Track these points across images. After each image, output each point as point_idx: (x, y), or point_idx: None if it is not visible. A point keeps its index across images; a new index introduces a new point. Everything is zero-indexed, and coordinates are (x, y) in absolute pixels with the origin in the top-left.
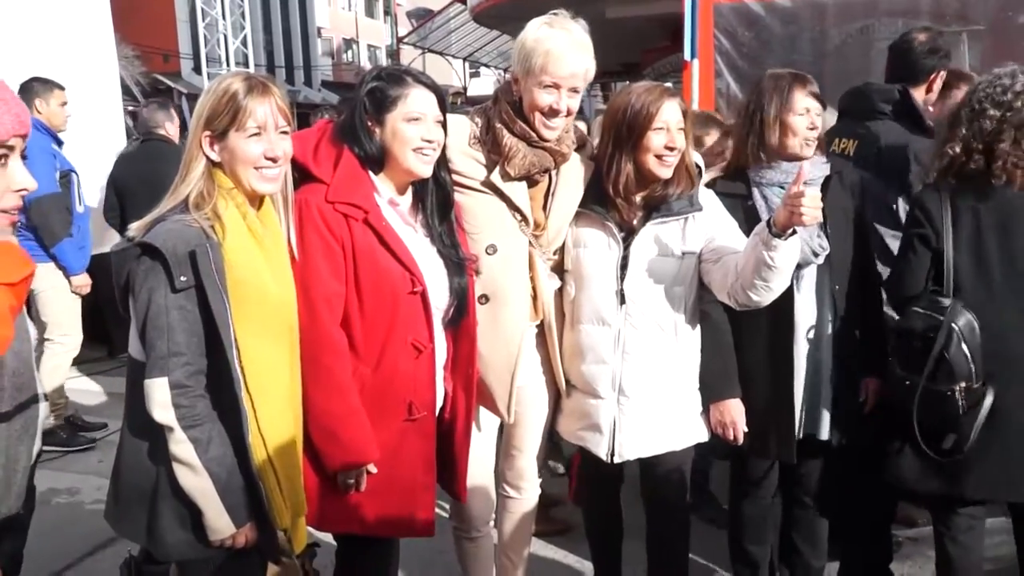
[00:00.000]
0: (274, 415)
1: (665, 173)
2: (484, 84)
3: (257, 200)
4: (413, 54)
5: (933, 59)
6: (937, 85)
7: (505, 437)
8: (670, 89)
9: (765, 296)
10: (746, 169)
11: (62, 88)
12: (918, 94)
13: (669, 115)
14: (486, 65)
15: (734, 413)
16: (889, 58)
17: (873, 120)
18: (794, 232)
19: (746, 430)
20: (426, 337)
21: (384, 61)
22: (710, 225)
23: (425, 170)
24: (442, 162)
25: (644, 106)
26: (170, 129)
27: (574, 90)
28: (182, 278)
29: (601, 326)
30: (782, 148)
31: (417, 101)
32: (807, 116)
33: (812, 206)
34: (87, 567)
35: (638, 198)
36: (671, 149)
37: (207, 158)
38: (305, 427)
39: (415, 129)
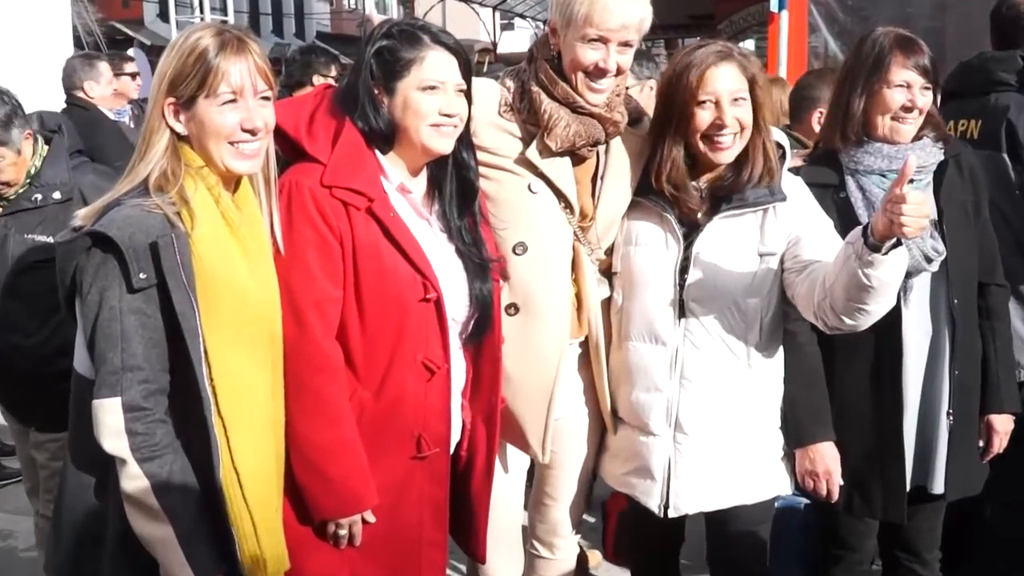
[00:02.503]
0: (251, 446)
1: (722, 158)
2: (518, 39)
3: (233, 182)
4: (431, 1)
5: None
6: None
7: (536, 482)
8: (726, 49)
9: (862, 320)
10: (837, 152)
11: None
12: None
13: (720, 84)
14: (521, 16)
15: (828, 460)
16: (994, 27)
17: (996, 93)
18: (898, 243)
19: (841, 482)
20: (440, 355)
21: (395, 10)
22: (796, 220)
23: (444, 145)
24: (464, 140)
25: (685, 73)
26: (93, 90)
27: (626, 44)
28: (141, 275)
29: (654, 344)
30: (869, 128)
31: (435, 66)
32: (905, 91)
33: (915, 214)
34: None
35: (702, 184)
36: (721, 127)
37: (171, 130)
38: (288, 463)
39: (432, 100)
